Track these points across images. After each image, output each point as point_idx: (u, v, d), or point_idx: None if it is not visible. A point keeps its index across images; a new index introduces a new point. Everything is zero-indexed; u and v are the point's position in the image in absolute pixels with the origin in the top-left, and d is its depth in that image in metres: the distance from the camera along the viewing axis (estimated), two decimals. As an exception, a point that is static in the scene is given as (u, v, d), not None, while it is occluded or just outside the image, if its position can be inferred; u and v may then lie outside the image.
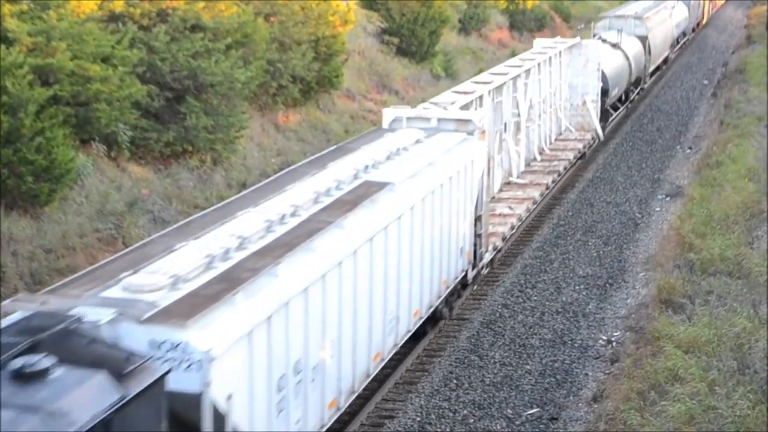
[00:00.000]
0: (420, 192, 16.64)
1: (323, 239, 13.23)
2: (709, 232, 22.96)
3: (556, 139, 33.35)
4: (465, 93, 23.93)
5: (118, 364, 8.91)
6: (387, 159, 17.41)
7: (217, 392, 10.29)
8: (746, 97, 41.19)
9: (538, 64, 30.24)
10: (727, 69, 52.14)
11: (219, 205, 15.27)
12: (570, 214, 28.32)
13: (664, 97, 47.13)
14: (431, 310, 18.00)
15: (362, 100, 37.72)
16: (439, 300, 18.43)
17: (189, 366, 10.04)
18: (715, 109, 42.02)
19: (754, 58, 51.98)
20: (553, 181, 29.00)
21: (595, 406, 16.58)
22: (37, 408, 7.94)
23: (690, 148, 36.45)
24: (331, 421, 13.77)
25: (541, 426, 16.26)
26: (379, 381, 16.78)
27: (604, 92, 35.64)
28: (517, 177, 28.25)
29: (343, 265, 13.60)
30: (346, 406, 14.39)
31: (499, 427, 16.16)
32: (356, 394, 14.65)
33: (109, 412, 8.30)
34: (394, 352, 16.29)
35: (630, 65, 40.17)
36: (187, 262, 11.69)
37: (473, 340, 19.47)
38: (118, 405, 8.44)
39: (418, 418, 16.33)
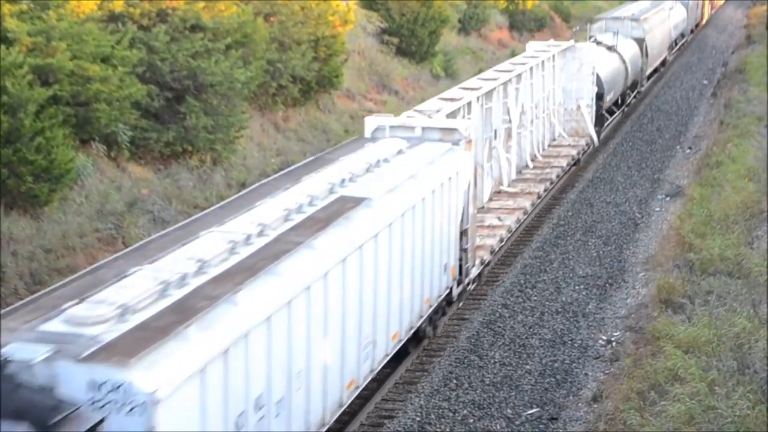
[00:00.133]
0: (399, 207, 15.71)
1: (290, 262, 12.33)
2: (709, 232, 22.97)
3: (549, 146, 32.56)
4: (452, 100, 23.04)
5: (42, 415, 8.09)
6: (366, 171, 16.52)
7: None
8: (746, 97, 41.20)
9: (530, 69, 29.50)
10: (727, 69, 52.15)
11: (182, 222, 14.41)
12: (570, 214, 28.32)
13: (664, 97, 47.13)
14: (412, 331, 17.07)
15: (362, 100, 37.72)
16: (421, 320, 17.51)
17: (132, 409, 9.10)
18: (715, 109, 42.03)
19: (754, 58, 51.99)
20: (545, 190, 28.18)
21: (595, 406, 16.58)
22: None
23: (690, 148, 36.45)
24: None
25: (540, 426, 16.25)
26: (379, 381, 16.78)
27: (599, 96, 34.96)
28: (508, 185, 27.42)
29: (313, 289, 12.62)
30: None
31: (498, 427, 16.16)
32: (327, 427, 13.62)
33: None
34: (370, 378, 15.29)
35: (626, 68, 39.56)
36: (139, 289, 10.73)
37: (473, 340, 19.47)
38: None
39: (418, 418, 16.33)
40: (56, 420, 8.13)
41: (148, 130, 24.44)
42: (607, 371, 18.06)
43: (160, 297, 10.79)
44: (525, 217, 25.79)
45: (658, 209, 28.87)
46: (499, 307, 21.19)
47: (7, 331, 9.73)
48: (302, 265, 12.50)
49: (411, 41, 43.06)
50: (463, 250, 19.42)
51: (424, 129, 19.37)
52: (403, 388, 17.36)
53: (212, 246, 12.27)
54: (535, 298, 21.87)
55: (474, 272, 20.68)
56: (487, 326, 20.15)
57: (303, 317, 12.42)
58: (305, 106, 33.42)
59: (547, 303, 21.59)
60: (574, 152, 32.20)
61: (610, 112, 38.97)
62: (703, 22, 74.71)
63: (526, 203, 25.91)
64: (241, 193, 16.05)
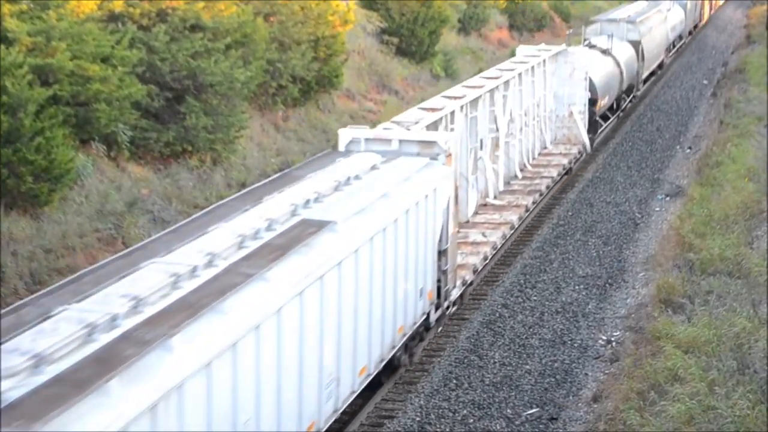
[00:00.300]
0: (368, 231, 14.40)
1: (238, 297, 10.99)
2: (708, 232, 22.97)
3: (539, 154, 31.41)
4: (432, 110, 21.74)
5: None
6: (334, 190, 15.25)
7: None
8: (746, 97, 41.21)
9: (519, 74, 28.32)
10: (727, 69, 52.15)
11: (124, 252, 12.78)
12: (570, 214, 28.33)
13: (664, 97, 47.14)
14: (383, 363, 15.79)
15: (362, 100, 37.74)
16: (394, 350, 16.23)
17: None
18: (715, 109, 42.04)
19: (754, 58, 52.00)
20: (533, 202, 26.84)
21: (595, 406, 16.58)
22: None
23: (690, 147, 36.45)
24: None
25: (540, 426, 16.26)
26: (378, 382, 16.78)
27: (593, 102, 33.90)
28: (495, 198, 26.23)
29: (263, 327, 11.27)
30: None
31: (498, 427, 16.16)
32: None
33: None
34: (334, 419, 13.92)
35: (621, 72, 38.54)
36: (59, 334, 9.33)
37: (473, 340, 19.47)
38: None
39: (418, 418, 16.33)
40: None
41: (148, 130, 24.45)
42: (607, 371, 18.07)
43: (83, 343, 9.41)
44: (512, 232, 24.64)
45: (658, 209, 28.88)
46: (499, 307, 21.19)
47: None
48: (252, 301, 11.20)
49: (411, 41, 43.08)
50: (442, 272, 18.28)
51: (401, 142, 18.28)
52: (403, 388, 17.36)
53: (152, 279, 10.91)
54: (535, 298, 21.88)
55: (455, 294, 19.48)
56: (487, 326, 20.15)
57: (251, 360, 11.05)
58: (305, 106, 33.44)
59: (547, 303, 21.59)
60: (565, 161, 31.03)
61: (605, 118, 38.10)
62: (702, 23, 74.50)
63: (513, 217, 24.75)
64: (192, 217, 14.35)
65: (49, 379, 8.66)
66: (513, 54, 35.07)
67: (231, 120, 26.38)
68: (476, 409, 16.71)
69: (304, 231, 13.12)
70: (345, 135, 18.39)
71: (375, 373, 15.50)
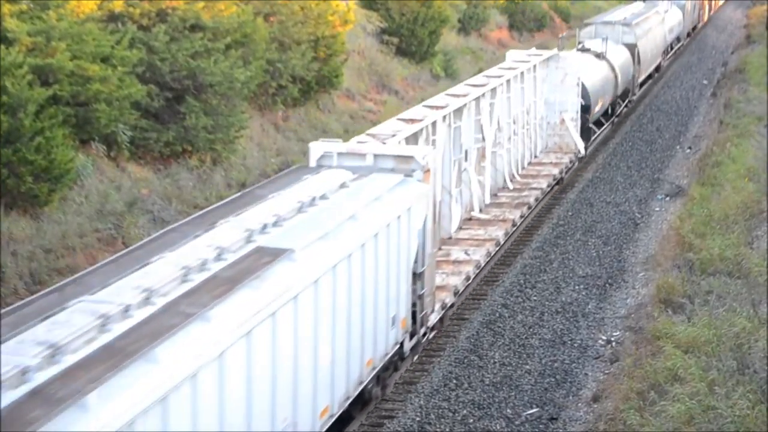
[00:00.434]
0: (331, 258, 13.05)
1: (174, 342, 9.62)
2: (708, 232, 22.97)
3: (529, 164, 30.20)
4: (412, 121, 20.48)
5: None
6: (297, 212, 13.84)
7: None
8: (746, 97, 41.22)
9: (507, 81, 26.98)
10: (727, 69, 52.15)
11: (49, 289, 11.08)
12: (570, 214, 28.33)
13: (664, 97, 47.14)
14: (349, 401, 14.37)
15: (362, 100, 37.75)
16: (362, 386, 14.84)
17: None
18: (715, 109, 42.04)
19: (753, 58, 52.00)
20: (521, 216, 25.41)
21: (595, 406, 16.59)
22: None
23: (690, 147, 36.45)
24: None
25: (540, 426, 16.26)
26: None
27: (585, 108, 32.64)
28: (480, 212, 24.90)
29: (201, 376, 9.84)
30: None
31: (498, 427, 16.16)
32: None
33: None
34: None
35: (616, 76, 37.30)
36: None
37: (473, 340, 19.47)
38: None
39: (418, 418, 16.33)
40: None
41: (148, 130, 24.46)
42: (607, 371, 18.07)
43: None
44: (497, 249, 23.20)
45: (657, 209, 28.88)
46: (499, 307, 21.19)
47: None
48: (189, 346, 9.77)
49: (411, 41, 43.09)
50: (417, 297, 16.91)
51: (376, 156, 16.98)
52: (403, 388, 17.36)
53: (76, 322, 9.51)
54: (534, 298, 21.88)
55: (433, 319, 18.15)
56: (487, 326, 20.15)
57: (187, 414, 9.63)
58: (305, 106, 33.46)
59: (546, 303, 21.59)
60: (555, 171, 29.72)
61: (599, 124, 37.10)
62: (701, 24, 74.29)
63: (499, 233, 23.42)
64: (136, 245, 13.05)
65: None
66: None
67: (231, 120, 26.40)
68: (476, 409, 16.71)
69: (257, 261, 11.77)
70: (316, 149, 17.04)
71: (339, 413, 14.03)
